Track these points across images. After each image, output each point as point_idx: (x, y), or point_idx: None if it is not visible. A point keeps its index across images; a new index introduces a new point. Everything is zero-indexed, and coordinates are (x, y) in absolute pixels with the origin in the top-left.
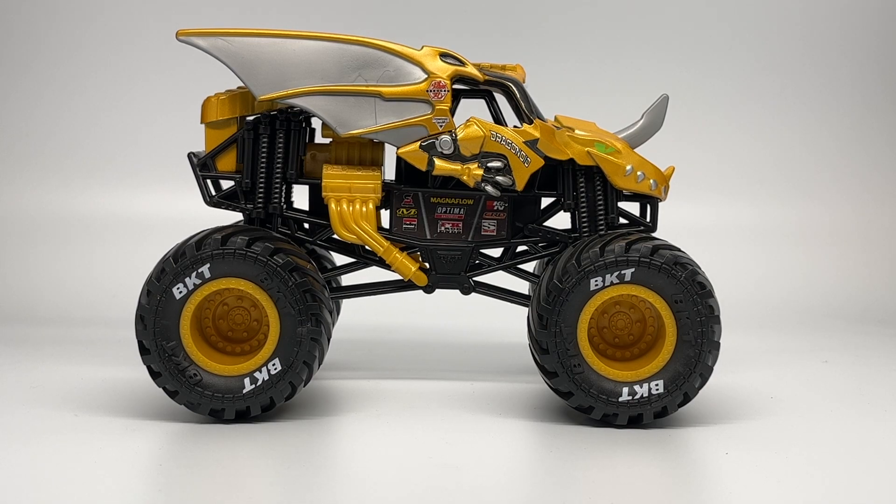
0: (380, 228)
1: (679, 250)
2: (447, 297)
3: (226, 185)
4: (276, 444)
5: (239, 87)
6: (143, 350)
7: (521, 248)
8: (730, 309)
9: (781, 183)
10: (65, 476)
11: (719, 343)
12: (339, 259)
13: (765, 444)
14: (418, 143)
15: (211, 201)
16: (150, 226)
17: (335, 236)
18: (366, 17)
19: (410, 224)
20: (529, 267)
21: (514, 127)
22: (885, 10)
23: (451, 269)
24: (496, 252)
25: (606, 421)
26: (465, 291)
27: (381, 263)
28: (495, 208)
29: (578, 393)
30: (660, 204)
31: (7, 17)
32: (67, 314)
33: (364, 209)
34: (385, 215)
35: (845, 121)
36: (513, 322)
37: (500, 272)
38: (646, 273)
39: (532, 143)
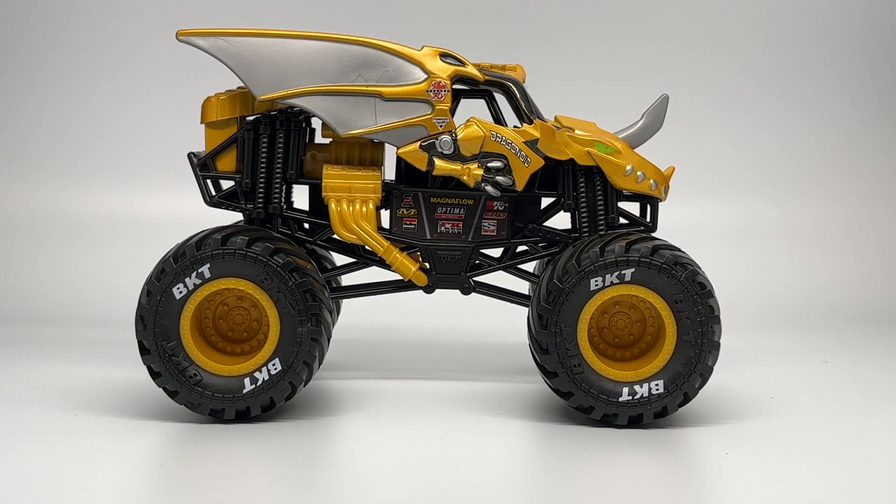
0: (380, 228)
1: (679, 250)
2: (447, 297)
3: (226, 185)
4: (276, 444)
5: (239, 87)
6: (143, 350)
7: (521, 248)
8: (730, 309)
9: (782, 183)
10: (65, 476)
11: (719, 343)
12: (339, 259)
13: (765, 444)
14: (418, 143)
15: (211, 201)
16: (151, 226)
17: (335, 236)
18: (366, 17)
19: (410, 224)
20: (529, 267)
21: (514, 127)
22: (878, 15)
23: (451, 269)
24: (496, 252)
25: (606, 421)
26: (465, 291)
27: (381, 263)
28: (495, 208)
29: (578, 393)
30: (660, 204)
31: (12, 21)
32: (68, 314)
33: (364, 209)
34: (385, 215)
35: (848, 118)
36: (513, 322)
37: (500, 272)
38: (646, 273)
39: (532, 143)
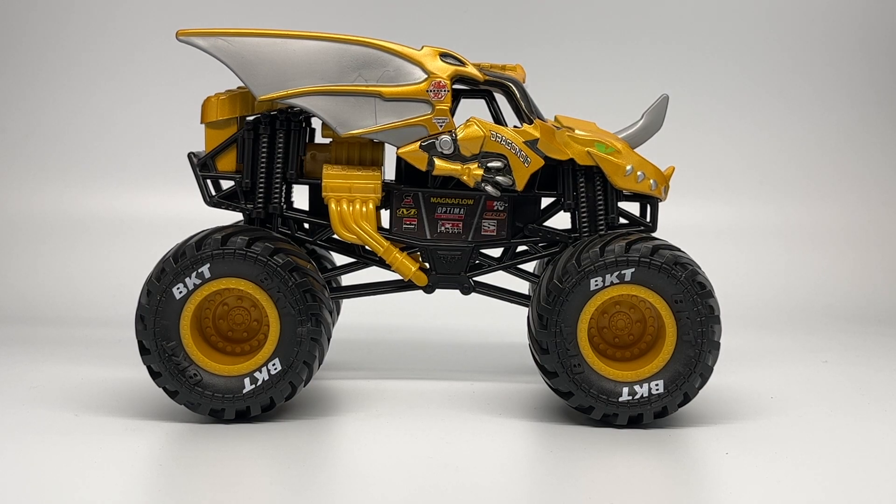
0: (380, 228)
1: (679, 250)
2: (447, 297)
3: (226, 185)
4: (276, 444)
5: (239, 87)
6: (143, 350)
7: (521, 248)
8: (730, 309)
9: (782, 183)
10: (65, 476)
11: (719, 343)
12: (339, 259)
13: (765, 444)
14: (418, 143)
15: (211, 201)
16: (151, 226)
17: (335, 236)
18: (366, 17)
19: (410, 224)
20: (529, 267)
21: (514, 127)
22: (877, 15)
23: (451, 269)
24: (496, 252)
25: (606, 421)
26: (465, 291)
27: (381, 263)
28: (495, 208)
29: (578, 393)
30: (660, 204)
31: (12, 21)
32: (68, 314)
33: (364, 209)
34: (385, 215)
35: (848, 118)
36: (513, 322)
37: (500, 272)
38: (646, 273)
39: (532, 143)
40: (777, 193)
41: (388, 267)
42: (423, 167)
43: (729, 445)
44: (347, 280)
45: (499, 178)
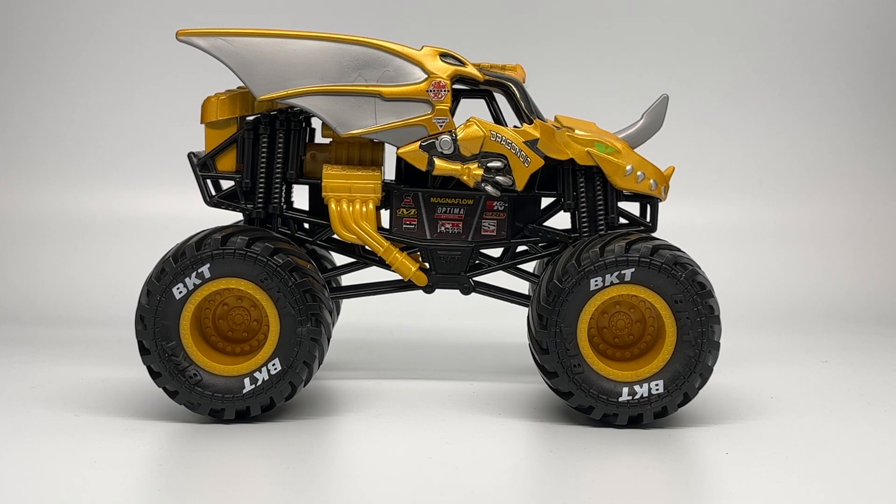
0: (380, 228)
1: (679, 250)
2: (447, 297)
3: (226, 185)
4: (276, 444)
5: (239, 87)
6: (143, 350)
7: (521, 248)
8: (730, 309)
9: (781, 183)
10: (65, 476)
11: (719, 343)
12: (339, 259)
13: (765, 444)
14: (418, 143)
15: (211, 201)
16: (151, 226)
17: (335, 236)
18: (366, 17)
19: (410, 224)
20: (529, 267)
21: (514, 127)
22: (879, 14)
23: (451, 269)
24: (496, 252)
25: (606, 421)
26: (465, 291)
27: (381, 263)
28: (495, 208)
29: (578, 393)
30: (660, 204)
31: (12, 20)
32: (67, 314)
33: (364, 209)
34: (385, 215)
35: (848, 118)
36: (513, 322)
37: (500, 272)
38: (646, 273)
39: (532, 143)
40: (777, 193)
41: (388, 267)
42: (423, 167)
43: (729, 445)
44: (347, 280)
45: (499, 178)
